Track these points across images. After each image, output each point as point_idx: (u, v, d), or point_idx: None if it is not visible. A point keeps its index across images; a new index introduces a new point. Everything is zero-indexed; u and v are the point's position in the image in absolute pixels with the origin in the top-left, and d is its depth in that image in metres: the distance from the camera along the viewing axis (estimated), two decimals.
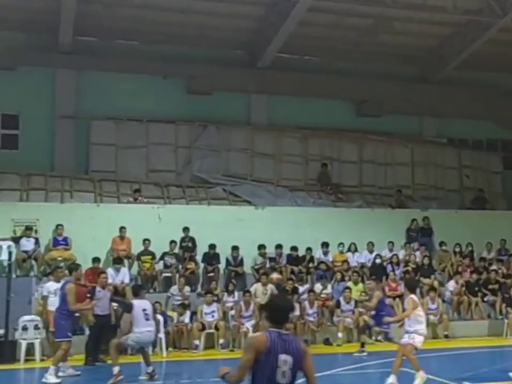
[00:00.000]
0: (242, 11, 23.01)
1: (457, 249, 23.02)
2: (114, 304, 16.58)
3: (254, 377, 6.07)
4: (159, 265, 20.17)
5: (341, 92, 25.55)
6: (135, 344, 14.06)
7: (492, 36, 23.77)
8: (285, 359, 6.01)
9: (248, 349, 6.16)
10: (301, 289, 19.98)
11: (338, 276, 20.97)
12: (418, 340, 12.62)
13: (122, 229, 19.93)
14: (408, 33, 24.67)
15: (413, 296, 12.86)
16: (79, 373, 14.59)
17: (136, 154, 23.28)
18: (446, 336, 19.89)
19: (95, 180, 22.40)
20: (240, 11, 22.96)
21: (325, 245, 21.70)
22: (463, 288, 21.18)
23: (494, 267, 22.32)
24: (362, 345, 17.40)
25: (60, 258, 19.10)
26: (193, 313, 18.53)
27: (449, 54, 25.56)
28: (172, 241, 20.17)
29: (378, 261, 21.63)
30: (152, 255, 20.07)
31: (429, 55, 26.12)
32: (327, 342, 19.00)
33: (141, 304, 13.90)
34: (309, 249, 21.49)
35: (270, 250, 21.20)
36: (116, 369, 13.28)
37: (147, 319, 13.79)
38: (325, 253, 21.74)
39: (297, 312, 18.79)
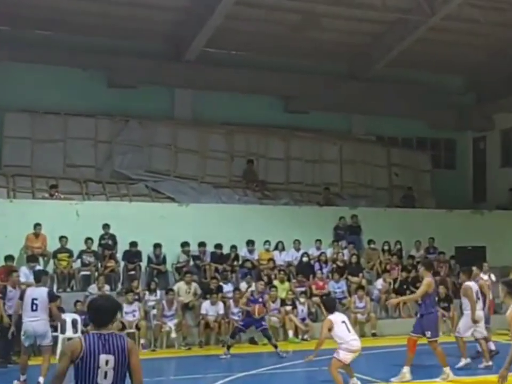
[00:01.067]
0: (167, 3, 22.97)
1: (386, 248, 23.44)
2: None
3: (76, 382, 6.03)
4: (77, 264, 19.97)
5: (269, 88, 25.79)
6: (24, 338, 13.31)
7: (421, 34, 24.32)
8: (106, 359, 5.97)
9: (62, 356, 6.10)
10: (225, 287, 20.09)
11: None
12: (343, 355, 12.45)
13: (37, 225, 19.60)
14: (337, 30, 25.06)
15: (330, 317, 12.81)
16: None
17: (53, 148, 23.01)
18: (374, 335, 20.27)
19: (8, 175, 22.04)
20: (165, 3, 22.92)
21: (251, 243, 21.85)
22: (391, 287, 21.62)
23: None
24: (228, 348, 17.11)
25: None
26: None
27: (379, 52, 26.03)
28: (88, 239, 19.98)
29: (305, 259, 21.87)
30: (70, 252, 19.85)
31: (359, 53, 26.58)
32: (252, 341, 19.09)
33: (32, 293, 13.31)
34: (233, 247, 21.60)
35: (194, 248, 21.23)
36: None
37: (34, 309, 13.11)
38: (251, 251, 21.89)
39: (221, 311, 19.00)
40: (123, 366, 6.03)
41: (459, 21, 24.11)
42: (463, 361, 14.67)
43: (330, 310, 13.08)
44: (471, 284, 15.03)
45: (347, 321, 12.93)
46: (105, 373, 5.94)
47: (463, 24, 24.43)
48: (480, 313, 15.03)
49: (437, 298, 17.45)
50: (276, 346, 17.01)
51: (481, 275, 21.21)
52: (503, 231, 25.54)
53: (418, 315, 14.03)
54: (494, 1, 23.31)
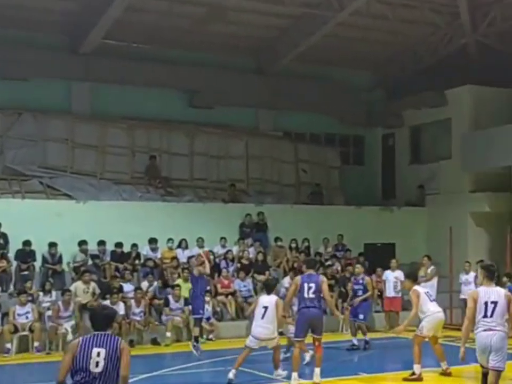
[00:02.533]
0: None
1: (293, 245, 23.89)
2: None
3: (72, 370, 7.29)
4: None
5: (172, 82, 25.86)
6: None
7: (329, 30, 24.81)
8: (98, 351, 7.21)
9: (66, 352, 7.58)
10: (126, 287, 20.09)
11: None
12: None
13: None
14: (243, 24, 25.31)
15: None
16: None
17: None
18: (281, 334, 20.48)
19: None
20: None
21: (153, 241, 21.93)
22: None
23: (329, 262, 23.33)
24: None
25: None
26: (5, 315, 18.32)
27: (286, 46, 26.37)
28: None
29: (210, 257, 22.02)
30: None
31: (266, 47, 26.96)
32: (155, 341, 19.15)
33: None
34: (134, 245, 21.66)
35: (94, 247, 21.18)
36: None
37: None
38: (153, 250, 21.97)
39: (122, 312, 18.94)
40: (113, 358, 7.23)
41: (368, 16, 24.69)
42: None
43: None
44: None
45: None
46: (97, 363, 7.18)
47: (371, 20, 24.99)
48: None
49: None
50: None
51: (387, 272, 22.09)
52: (412, 228, 26.46)
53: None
54: None
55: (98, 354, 7.19)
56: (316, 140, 28.87)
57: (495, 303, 10.20)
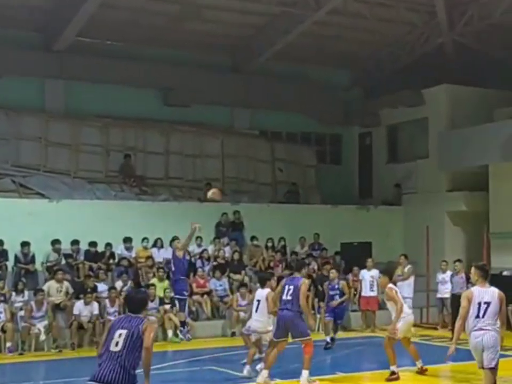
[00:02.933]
0: None
1: (270, 244, 23.92)
2: None
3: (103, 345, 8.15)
4: None
5: (147, 80, 25.78)
6: None
7: (306, 28, 24.84)
8: (120, 332, 7.92)
9: (104, 330, 9.04)
10: (100, 286, 20.01)
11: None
12: None
13: None
14: (219, 22, 25.27)
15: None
16: None
17: None
18: None
19: None
20: None
21: (128, 240, 21.87)
22: (275, 284, 21.91)
23: (306, 261, 23.28)
24: None
25: None
26: None
27: (262, 45, 26.37)
28: None
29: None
30: None
31: (242, 45, 26.95)
32: None
33: None
34: (108, 244, 21.59)
35: (67, 246, 21.06)
36: None
37: None
38: (128, 249, 21.91)
39: (96, 312, 18.98)
40: (135, 338, 7.88)
41: (345, 15, 24.76)
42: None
43: None
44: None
45: None
46: (117, 343, 7.88)
47: (348, 19, 25.06)
48: None
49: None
50: None
51: (363, 272, 22.17)
52: (389, 227, 26.58)
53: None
54: None
55: (120, 335, 7.89)
56: (292, 138, 28.91)
57: (488, 303, 10.39)
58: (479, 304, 10.39)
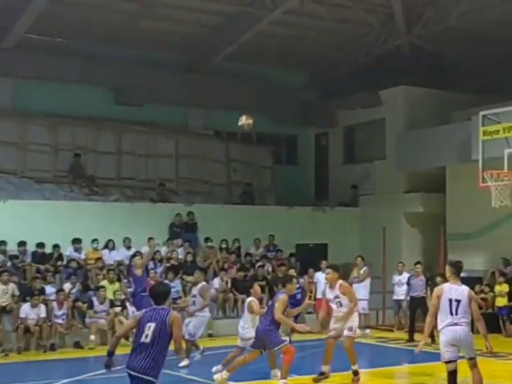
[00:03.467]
0: None
1: (224, 245, 23.76)
2: None
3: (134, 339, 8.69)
4: None
5: (98, 78, 25.38)
6: None
7: (263, 28, 24.70)
8: (149, 325, 8.43)
9: (130, 319, 9.90)
10: (47, 289, 19.62)
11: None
12: None
13: None
14: (175, 21, 24.97)
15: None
16: None
17: None
18: (210, 335, 20.29)
19: None
20: None
21: (77, 241, 21.57)
22: (229, 286, 21.77)
23: (261, 263, 23.16)
24: None
25: None
26: None
27: (218, 44, 26.17)
28: None
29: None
30: None
31: (197, 44, 26.67)
32: (77, 345, 18.70)
33: None
34: (56, 246, 21.27)
35: (13, 248, 20.65)
36: None
37: None
38: (77, 250, 21.59)
39: (43, 314, 18.56)
40: (162, 331, 8.39)
41: (302, 15, 24.63)
42: None
43: None
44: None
45: None
46: (147, 335, 8.39)
47: (305, 19, 24.96)
48: None
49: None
50: None
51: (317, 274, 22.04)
52: (345, 228, 26.54)
53: None
54: None
55: (149, 328, 8.41)
56: (247, 139, 28.57)
57: (458, 301, 10.61)
58: (450, 300, 10.61)
